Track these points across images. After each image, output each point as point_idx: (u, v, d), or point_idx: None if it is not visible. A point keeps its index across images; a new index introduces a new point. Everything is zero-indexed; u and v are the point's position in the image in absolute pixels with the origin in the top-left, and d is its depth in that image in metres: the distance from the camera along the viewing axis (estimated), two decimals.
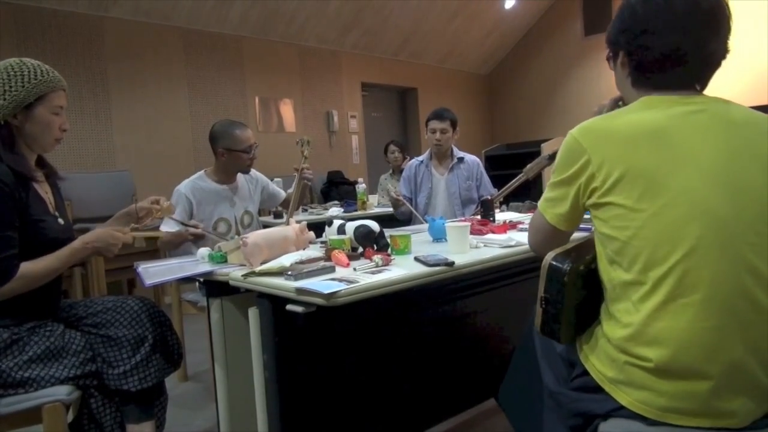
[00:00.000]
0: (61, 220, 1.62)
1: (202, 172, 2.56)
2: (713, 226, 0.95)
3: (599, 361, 1.08)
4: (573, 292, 1.14)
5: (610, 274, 1.06)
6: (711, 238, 0.95)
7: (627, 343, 1.01)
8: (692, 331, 0.95)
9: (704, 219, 0.95)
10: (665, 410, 0.98)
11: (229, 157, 2.48)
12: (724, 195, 0.96)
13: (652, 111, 1.05)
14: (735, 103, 1.07)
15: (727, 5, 1.05)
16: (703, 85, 1.11)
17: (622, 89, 1.19)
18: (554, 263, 1.13)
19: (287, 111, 5.96)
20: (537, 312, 1.18)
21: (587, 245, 1.17)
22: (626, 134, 1.02)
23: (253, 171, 2.69)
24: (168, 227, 2.40)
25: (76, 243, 1.56)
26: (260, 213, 2.87)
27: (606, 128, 1.06)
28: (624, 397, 1.02)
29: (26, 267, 1.45)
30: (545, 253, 1.17)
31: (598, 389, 1.07)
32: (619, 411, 1.03)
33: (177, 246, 2.31)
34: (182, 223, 2.18)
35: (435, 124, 3.23)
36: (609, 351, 1.06)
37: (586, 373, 1.11)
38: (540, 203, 1.21)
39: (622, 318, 1.03)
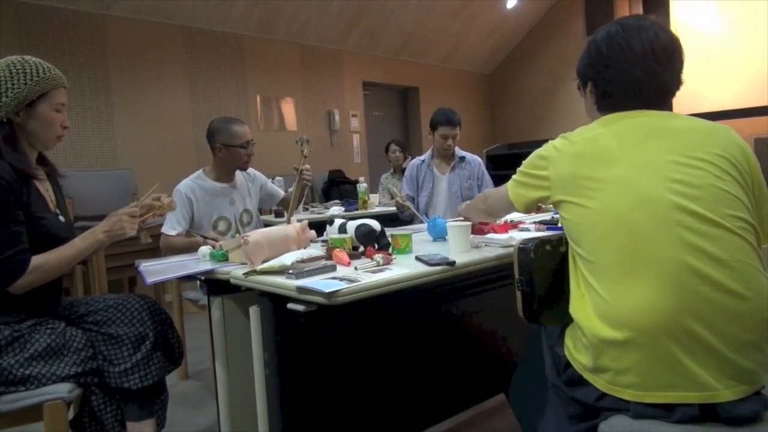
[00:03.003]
0: (62, 218, 1.63)
1: (200, 171, 2.56)
2: (651, 211, 1.07)
3: (576, 349, 1.18)
4: (542, 269, 1.29)
5: (572, 261, 1.20)
6: (649, 221, 1.06)
7: (589, 323, 1.10)
8: (644, 306, 1.03)
9: (644, 204, 1.07)
10: (637, 387, 1.04)
11: (226, 152, 2.48)
12: (660, 185, 1.08)
13: (603, 126, 1.21)
14: (683, 115, 1.22)
15: (678, 42, 1.22)
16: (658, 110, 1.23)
17: (589, 112, 1.35)
18: (521, 245, 1.31)
19: (288, 110, 5.96)
20: (517, 298, 1.32)
21: (553, 235, 1.36)
22: (574, 149, 1.20)
23: (251, 169, 2.69)
24: (172, 230, 2.40)
25: (87, 232, 1.57)
26: (260, 212, 2.87)
27: (563, 147, 1.23)
28: (600, 383, 1.10)
29: (38, 259, 1.46)
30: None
31: (582, 380, 1.15)
32: (603, 399, 1.10)
33: (184, 252, 2.32)
34: (203, 237, 2.18)
35: (447, 131, 3.19)
36: (579, 335, 1.15)
37: (569, 365, 1.20)
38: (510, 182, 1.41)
39: (582, 299, 1.14)
